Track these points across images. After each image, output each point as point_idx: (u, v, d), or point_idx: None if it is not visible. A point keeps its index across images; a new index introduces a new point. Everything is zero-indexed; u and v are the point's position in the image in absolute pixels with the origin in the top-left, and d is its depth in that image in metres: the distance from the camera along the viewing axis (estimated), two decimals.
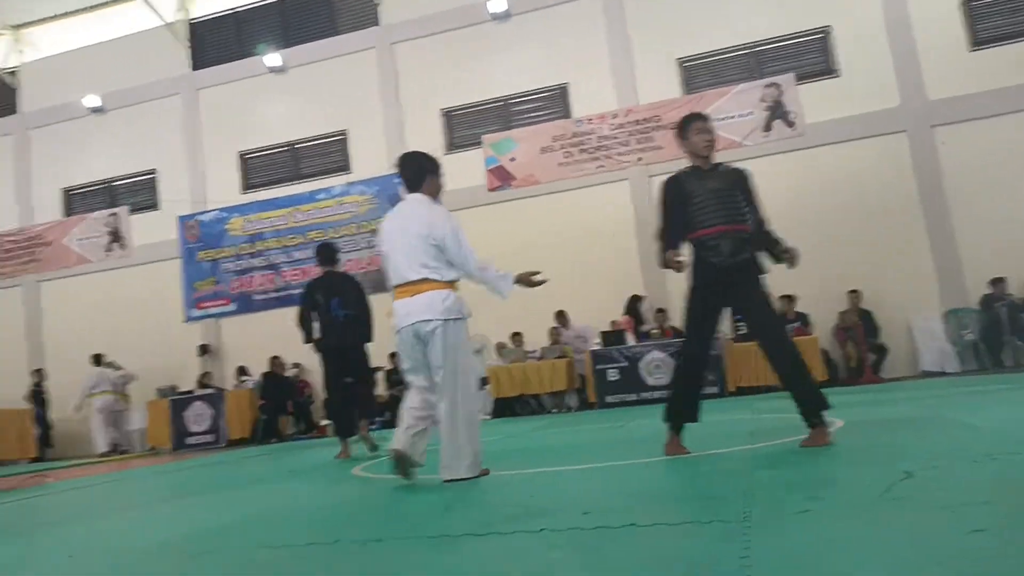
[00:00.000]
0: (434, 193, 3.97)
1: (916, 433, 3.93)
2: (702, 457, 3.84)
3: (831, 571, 1.65)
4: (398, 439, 3.72)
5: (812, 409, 3.72)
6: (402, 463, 3.72)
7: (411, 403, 3.79)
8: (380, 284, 13.34)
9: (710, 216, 3.95)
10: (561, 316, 11.97)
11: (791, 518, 2.19)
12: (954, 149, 11.26)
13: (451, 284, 3.82)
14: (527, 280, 4.07)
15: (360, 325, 6.36)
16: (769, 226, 4.13)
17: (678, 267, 4.02)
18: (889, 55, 11.80)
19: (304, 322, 6.55)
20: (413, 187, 3.95)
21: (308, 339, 6.58)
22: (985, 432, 3.80)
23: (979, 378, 8.85)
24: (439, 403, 3.70)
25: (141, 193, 15.74)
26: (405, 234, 3.79)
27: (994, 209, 10.97)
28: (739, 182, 4.08)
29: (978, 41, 11.55)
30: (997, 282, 10.43)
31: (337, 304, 6.26)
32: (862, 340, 10.53)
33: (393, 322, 3.83)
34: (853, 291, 10.98)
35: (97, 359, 13.27)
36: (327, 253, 6.71)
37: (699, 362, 4.08)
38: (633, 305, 11.70)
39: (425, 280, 3.73)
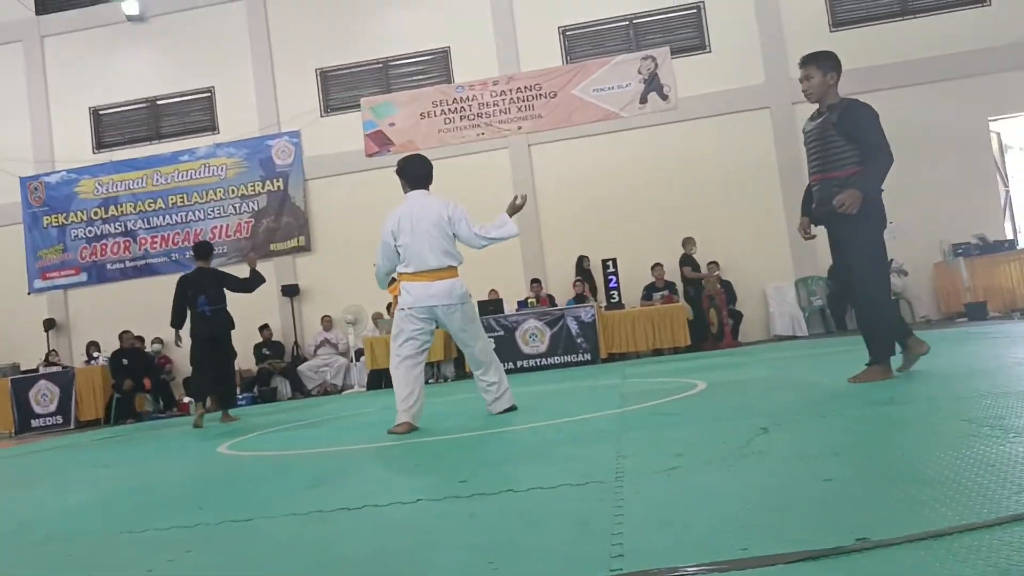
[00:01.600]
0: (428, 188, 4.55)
1: (770, 392, 4.18)
2: (575, 422, 3.92)
3: (698, 520, 1.71)
4: (409, 413, 4.18)
5: (871, 349, 3.95)
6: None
7: (410, 373, 4.27)
8: (248, 250, 12.77)
9: (810, 164, 4.11)
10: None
11: (660, 475, 2.26)
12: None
13: (457, 270, 4.43)
14: (514, 208, 4.62)
15: (225, 316, 7.27)
16: (870, 161, 3.84)
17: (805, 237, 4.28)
18: (757, 33, 12.35)
19: (176, 311, 7.30)
20: (422, 185, 4.50)
21: (177, 327, 7.30)
22: (830, 390, 4.08)
23: (825, 341, 9.57)
24: (479, 359, 4.54)
25: None
26: (424, 225, 4.30)
27: None
28: (837, 123, 3.90)
29: (838, 23, 12.28)
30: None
31: (204, 301, 7.10)
32: (723, 306, 11.12)
33: (404, 300, 4.31)
34: (713, 262, 11.54)
35: None
36: (203, 250, 7.48)
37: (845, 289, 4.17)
38: (581, 266, 11.74)
39: (448, 268, 4.34)
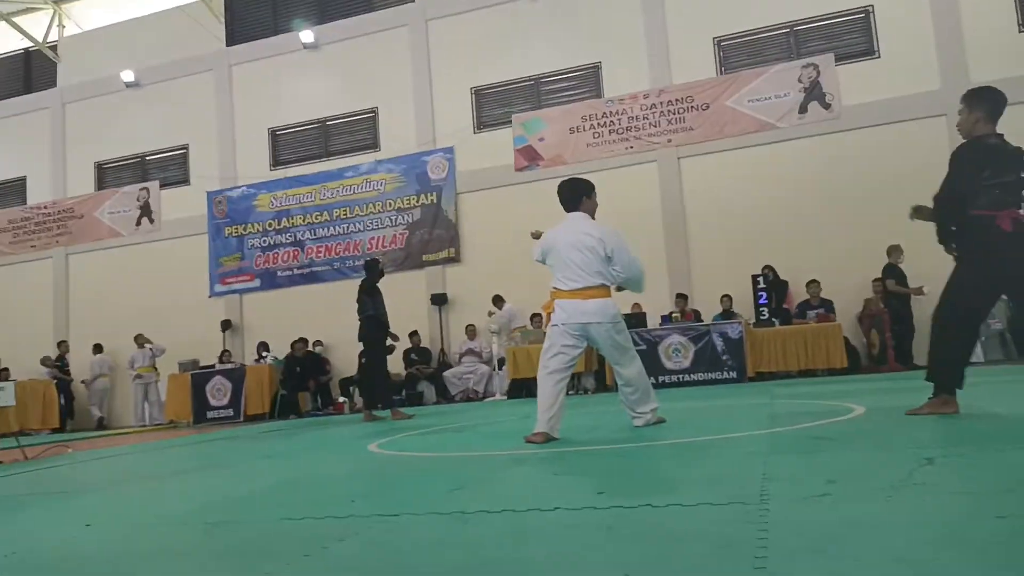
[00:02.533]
0: (591, 211, 4.65)
1: (937, 421, 3.85)
2: (720, 440, 3.80)
3: (849, 551, 1.61)
4: (547, 424, 4.31)
5: (931, 380, 4.04)
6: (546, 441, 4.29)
7: (555, 386, 4.41)
8: (400, 262, 13.42)
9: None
10: (497, 300, 12.20)
11: (809, 501, 2.14)
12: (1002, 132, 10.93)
13: (610, 290, 4.52)
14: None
15: (364, 326, 8.32)
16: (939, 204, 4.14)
17: None
18: (932, 36, 11.49)
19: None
20: (572, 207, 4.62)
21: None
22: (1009, 421, 3.72)
23: (1003, 368, 8.66)
24: (630, 378, 4.55)
25: (172, 168, 15.90)
26: (577, 245, 4.43)
27: None
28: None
29: None
30: None
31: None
32: (887, 327, 10.34)
33: (557, 316, 4.46)
34: (878, 279, 10.77)
35: (138, 340, 13.65)
36: (370, 269, 8.59)
37: None
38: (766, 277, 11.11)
39: (601, 286, 4.43)
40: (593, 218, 4.61)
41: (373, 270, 8.29)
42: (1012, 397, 4.95)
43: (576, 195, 4.63)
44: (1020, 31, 11.15)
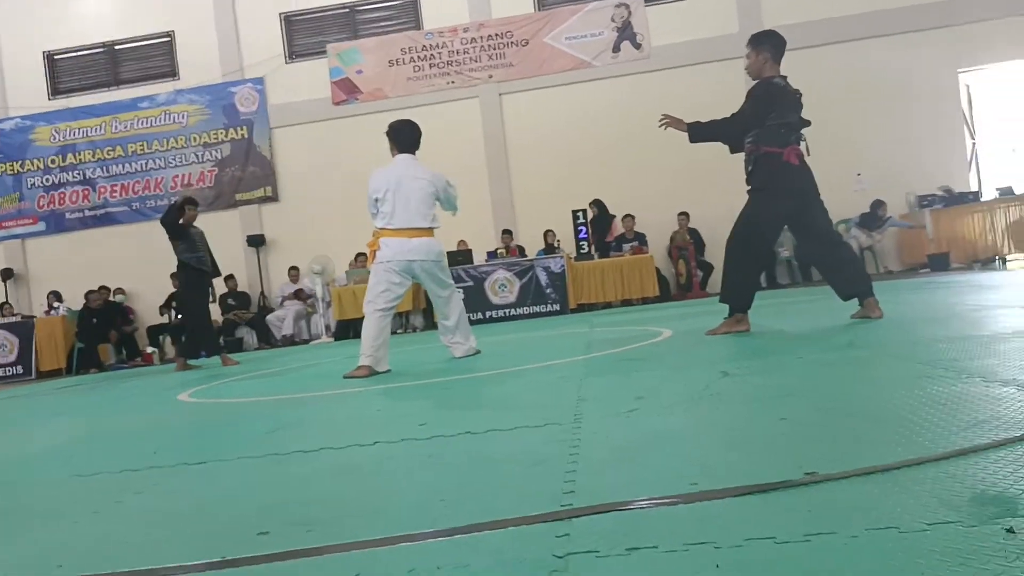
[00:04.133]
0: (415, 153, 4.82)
1: (733, 339, 4.21)
2: (539, 368, 3.92)
3: (651, 459, 1.71)
4: (371, 359, 4.43)
5: (725, 302, 4.48)
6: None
7: (380, 323, 4.53)
8: (211, 201, 12.54)
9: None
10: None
11: (619, 417, 2.26)
12: (790, 76, 11.89)
13: (434, 231, 4.72)
14: None
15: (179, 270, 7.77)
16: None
17: None
18: None
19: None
20: (409, 149, 4.77)
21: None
22: (792, 336, 4.14)
23: (789, 291, 9.67)
24: (449, 312, 4.89)
25: None
26: (411, 187, 4.60)
27: (812, 135, 11.73)
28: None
29: None
30: None
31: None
32: (692, 258, 11.17)
33: (383, 253, 4.59)
34: (683, 213, 11.55)
35: None
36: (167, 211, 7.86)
37: None
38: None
39: (429, 228, 4.66)
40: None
41: (168, 211, 7.58)
42: (794, 316, 5.51)
43: (416, 138, 4.82)
44: None
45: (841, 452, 1.57)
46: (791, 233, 4.64)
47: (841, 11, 11.73)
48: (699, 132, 4.57)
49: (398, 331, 11.12)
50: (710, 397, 2.41)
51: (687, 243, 11.28)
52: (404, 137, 4.78)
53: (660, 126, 4.67)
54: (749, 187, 4.43)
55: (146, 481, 2.14)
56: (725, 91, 12.03)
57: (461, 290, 10.54)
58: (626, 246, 11.30)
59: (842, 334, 3.84)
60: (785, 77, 4.36)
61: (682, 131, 4.63)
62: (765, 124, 4.21)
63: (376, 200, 4.62)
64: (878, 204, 10.94)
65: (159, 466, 2.34)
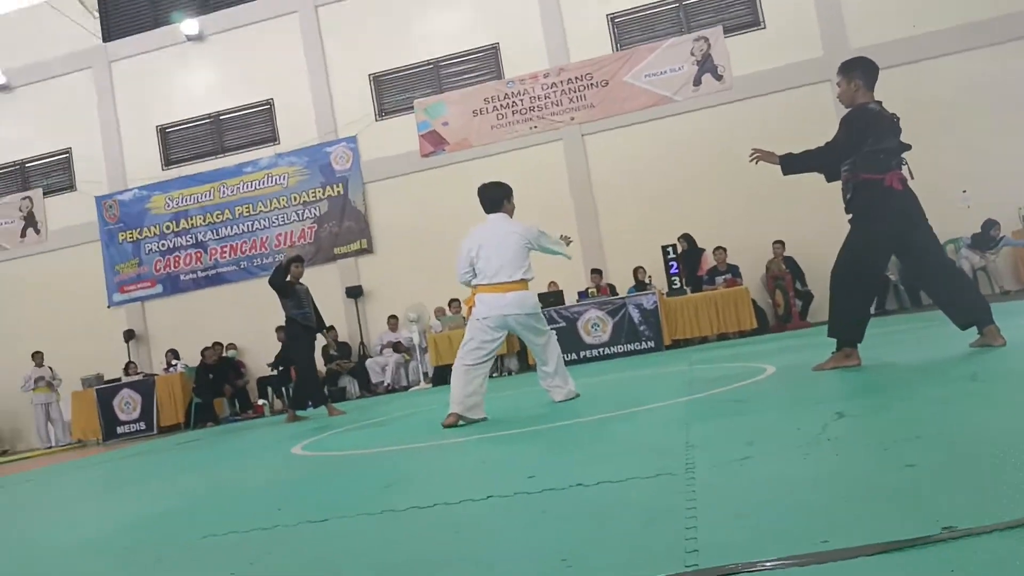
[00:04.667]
0: (510, 213, 5.00)
1: (842, 374, 4.05)
2: (642, 411, 3.88)
3: (774, 512, 1.66)
4: (461, 406, 4.51)
5: (833, 336, 4.30)
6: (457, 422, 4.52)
7: (468, 375, 4.60)
8: (311, 256, 13.08)
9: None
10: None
11: (732, 465, 2.21)
12: (879, 95, 11.49)
13: (528, 284, 4.82)
14: (565, 239, 5.36)
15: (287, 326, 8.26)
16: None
17: None
18: (813, 5, 11.96)
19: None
20: (493, 209, 4.95)
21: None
22: (906, 370, 3.94)
23: (897, 318, 9.21)
24: (547, 358, 4.92)
25: (55, 174, 14.94)
26: (502, 242, 4.75)
27: (914, 156, 11.28)
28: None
29: None
30: None
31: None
32: (790, 287, 10.83)
33: (479, 310, 4.72)
34: (778, 241, 11.25)
35: (36, 357, 12.81)
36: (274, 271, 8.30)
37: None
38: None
39: (520, 281, 4.74)
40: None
41: (276, 272, 7.93)
42: (907, 347, 5.25)
43: (498, 197, 4.96)
44: None
45: (980, 503, 1.49)
46: (898, 259, 4.46)
47: (937, 25, 11.34)
48: (793, 164, 4.50)
49: (493, 375, 11.22)
50: (827, 442, 2.33)
51: (783, 272, 10.95)
52: (487, 197, 4.98)
53: (751, 160, 4.64)
54: (849, 215, 4.30)
55: (275, 540, 2.24)
56: (813, 116, 11.78)
57: (554, 331, 10.61)
58: (719, 279, 11.09)
59: (963, 366, 3.64)
60: (880, 102, 4.24)
61: (774, 163, 4.55)
62: (862, 151, 4.10)
63: (471, 259, 4.76)
64: (991, 224, 10.36)
65: (284, 524, 2.43)
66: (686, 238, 11.42)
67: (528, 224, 4.91)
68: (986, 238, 10.45)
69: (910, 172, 4.17)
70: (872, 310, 4.50)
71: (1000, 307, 8.00)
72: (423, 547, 1.91)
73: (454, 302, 11.86)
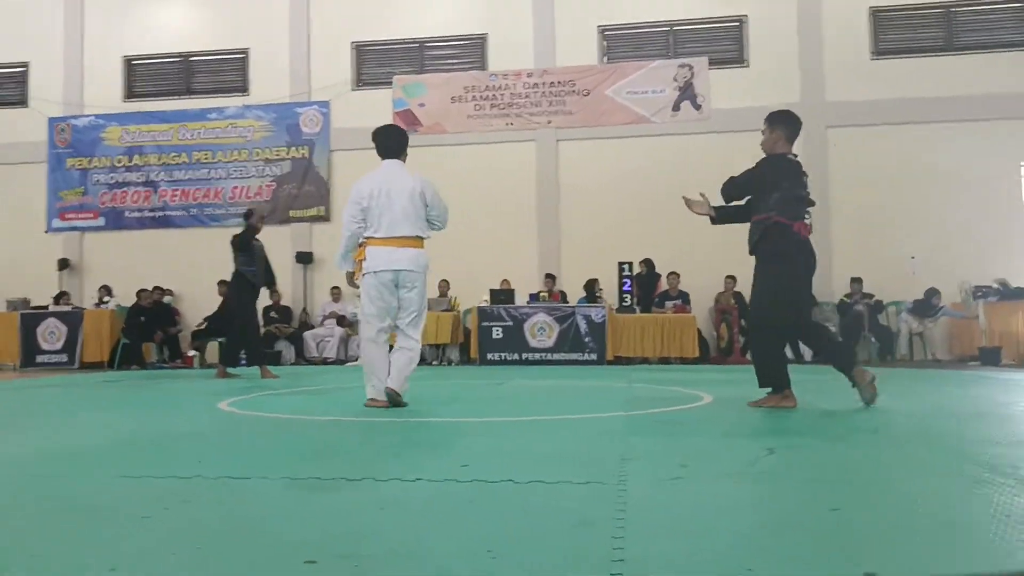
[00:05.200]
0: (404, 161, 4.61)
1: (775, 413, 4.14)
2: (580, 420, 3.90)
3: (703, 534, 1.68)
4: (392, 380, 4.29)
5: (765, 385, 4.37)
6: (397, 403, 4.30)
7: (383, 348, 4.42)
8: (267, 214, 12.80)
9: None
10: None
11: (664, 483, 2.23)
12: (843, 151, 11.87)
13: (422, 242, 4.48)
14: None
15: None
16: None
17: None
18: (796, 52, 12.23)
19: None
20: (395, 154, 4.56)
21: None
22: (838, 416, 4.06)
23: (823, 368, 9.47)
24: (409, 337, 4.43)
25: (7, 86, 14.27)
26: (398, 193, 4.38)
27: (869, 215, 11.69)
28: None
29: (880, 51, 12.14)
30: (855, 281, 11.16)
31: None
32: (736, 322, 11.05)
33: (369, 263, 4.38)
34: (730, 276, 11.48)
35: None
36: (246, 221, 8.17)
37: None
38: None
39: (417, 237, 4.42)
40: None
41: (245, 233, 7.78)
42: (839, 395, 5.40)
43: (400, 144, 4.61)
44: (872, 58, 12.11)
45: (901, 554, 1.54)
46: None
47: (908, 93, 11.71)
48: (724, 216, 4.70)
49: (433, 363, 11.17)
50: (757, 474, 2.37)
51: (731, 307, 11.17)
52: (388, 142, 4.59)
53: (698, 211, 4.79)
54: (756, 257, 4.41)
55: (192, 491, 2.17)
56: None
57: (501, 329, 10.67)
58: (669, 303, 11.24)
59: (892, 420, 3.76)
60: (796, 155, 4.45)
61: (704, 214, 4.73)
62: (774, 195, 4.27)
63: (361, 209, 4.39)
64: (932, 292, 10.76)
65: (204, 476, 2.37)
66: (647, 263, 11.56)
67: (426, 177, 4.52)
68: (927, 305, 10.86)
69: (811, 226, 4.37)
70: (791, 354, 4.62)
71: (929, 373, 8.31)
72: (345, 520, 1.88)
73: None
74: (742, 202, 4.52)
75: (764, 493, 2.14)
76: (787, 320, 4.27)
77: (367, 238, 4.43)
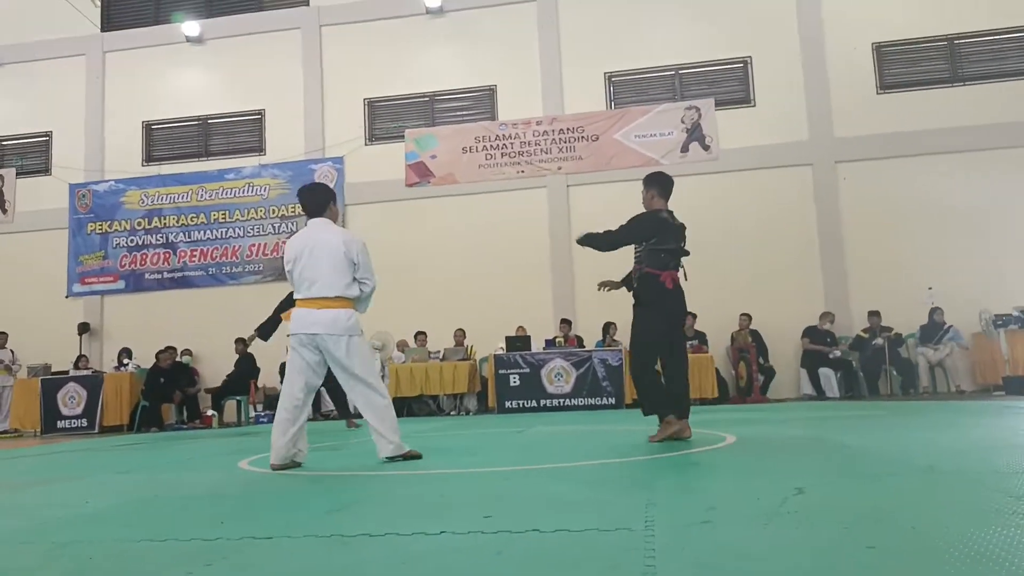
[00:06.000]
0: (334, 218, 4.51)
1: (803, 451, 4.07)
2: (602, 465, 3.85)
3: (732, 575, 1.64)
4: (277, 453, 4.25)
5: (651, 414, 4.92)
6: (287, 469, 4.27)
7: (285, 410, 4.29)
8: (282, 271, 12.97)
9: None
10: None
11: (692, 527, 2.19)
12: (853, 186, 11.89)
13: (352, 303, 4.33)
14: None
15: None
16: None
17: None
18: (803, 91, 12.34)
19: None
20: (316, 213, 4.44)
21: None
22: (864, 453, 3.98)
23: (856, 404, 9.35)
24: (355, 401, 4.35)
25: (32, 156, 14.67)
26: (322, 252, 4.25)
27: (883, 248, 11.64)
28: None
29: (886, 85, 12.24)
30: (872, 315, 11.05)
31: None
32: (754, 360, 10.94)
33: (291, 325, 4.31)
34: (745, 314, 11.41)
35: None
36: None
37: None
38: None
39: (339, 298, 4.25)
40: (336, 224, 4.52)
41: (267, 324, 8.54)
42: (866, 432, 5.31)
43: (323, 200, 4.46)
44: (878, 93, 12.20)
45: None
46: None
47: (917, 126, 11.78)
48: (628, 284, 5.21)
49: (451, 413, 11.11)
50: (787, 514, 2.32)
51: (748, 344, 11.07)
52: (312, 200, 4.45)
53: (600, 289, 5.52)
54: (635, 302, 4.94)
55: (215, 553, 2.16)
56: (792, 195, 12.10)
57: (517, 376, 10.62)
58: (687, 344, 11.15)
59: (918, 455, 3.68)
60: (671, 212, 4.99)
61: (613, 288, 5.44)
62: (646, 248, 4.81)
63: (288, 272, 4.33)
64: (935, 311, 10.73)
65: (227, 538, 2.35)
66: None
67: (355, 235, 4.40)
68: (933, 327, 10.78)
69: (684, 274, 4.91)
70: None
71: (952, 405, 8.16)
72: None
73: (420, 335, 11.78)
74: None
75: (796, 535, 2.09)
76: (650, 364, 4.80)
77: (295, 300, 4.37)
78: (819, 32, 12.40)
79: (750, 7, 12.73)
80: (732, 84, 12.79)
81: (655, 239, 4.76)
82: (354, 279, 4.28)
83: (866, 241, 11.74)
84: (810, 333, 11.23)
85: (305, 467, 4.50)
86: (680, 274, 4.83)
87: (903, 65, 12.27)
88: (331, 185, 13.30)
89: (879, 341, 10.81)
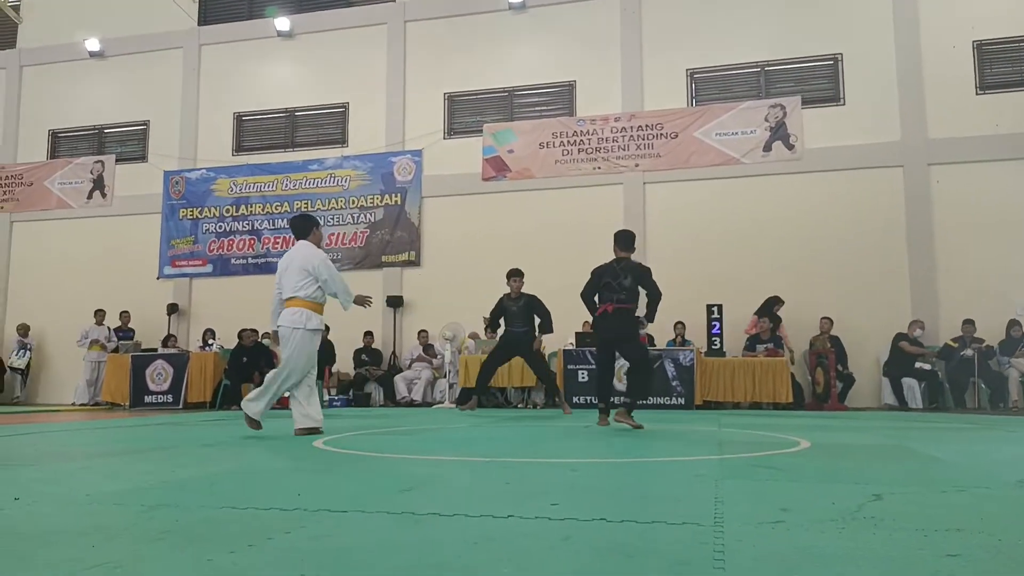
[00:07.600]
0: (316, 241, 5.90)
1: (881, 459, 3.94)
2: (670, 462, 3.82)
3: (804, 574, 1.62)
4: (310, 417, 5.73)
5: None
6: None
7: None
8: (359, 260, 13.29)
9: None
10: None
11: (764, 526, 2.16)
12: (947, 189, 11.37)
13: (309, 303, 5.61)
14: (360, 300, 5.91)
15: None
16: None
17: None
18: (896, 89, 11.87)
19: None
20: (302, 236, 5.85)
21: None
22: (949, 465, 3.82)
23: (941, 415, 8.95)
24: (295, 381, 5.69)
25: (130, 143, 15.47)
26: (295, 266, 5.65)
27: (977, 254, 11.09)
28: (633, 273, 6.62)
29: (986, 85, 11.64)
30: (967, 323, 10.54)
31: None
32: (832, 367, 10.60)
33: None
34: (826, 318, 11.06)
35: (98, 315, 13.44)
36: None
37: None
38: (769, 307, 11.23)
39: (293, 298, 5.63)
40: (319, 246, 5.86)
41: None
42: (951, 444, 5.09)
43: (305, 227, 5.86)
44: (977, 94, 11.61)
45: None
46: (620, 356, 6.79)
47: (1014, 127, 11.16)
48: (650, 315, 6.67)
49: (519, 406, 11.17)
50: (864, 520, 2.26)
51: (827, 350, 10.73)
52: (297, 227, 5.91)
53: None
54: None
55: (293, 523, 2.25)
56: (880, 198, 11.63)
57: (584, 372, 10.58)
58: (760, 347, 10.91)
59: (1008, 470, 3.51)
60: (627, 257, 6.55)
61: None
62: (601, 289, 6.46)
63: (276, 282, 5.76)
64: (1012, 324, 10.17)
65: (304, 509, 2.44)
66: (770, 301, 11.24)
67: (322, 255, 5.66)
68: (1012, 342, 10.23)
69: (618, 301, 6.31)
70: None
71: None
72: (438, 554, 1.89)
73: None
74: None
75: (871, 540, 2.03)
76: (600, 370, 6.76)
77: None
78: (915, 28, 11.89)
79: (842, 2, 12.30)
80: (821, 82, 12.40)
81: (605, 280, 6.44)
82: (317, 285, 5.61)
83: (958, 248, 11.21)
84: (905, 339, 10.76)
85: (379, 450, 4.63)
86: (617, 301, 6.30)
87: (1005, 64, 11.63)
88: (409, 178, 13.64)
89: (968, 352, 10.31)
